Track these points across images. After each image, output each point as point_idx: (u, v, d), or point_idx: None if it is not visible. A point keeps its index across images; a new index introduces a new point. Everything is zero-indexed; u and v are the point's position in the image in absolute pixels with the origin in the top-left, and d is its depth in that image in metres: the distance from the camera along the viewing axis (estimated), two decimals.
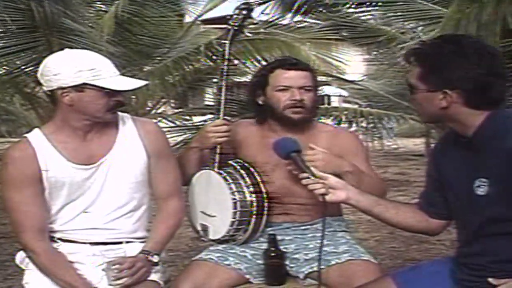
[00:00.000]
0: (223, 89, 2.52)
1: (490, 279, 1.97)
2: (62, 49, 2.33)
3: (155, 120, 6.96)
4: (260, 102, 2.63)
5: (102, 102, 2.22)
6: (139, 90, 7.48)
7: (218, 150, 2.52)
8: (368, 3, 5.59)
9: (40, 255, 2.26)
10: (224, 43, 2.55)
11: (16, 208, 2.27)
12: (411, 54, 2.04)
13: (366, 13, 5.80)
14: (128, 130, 2.35)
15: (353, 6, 5.46)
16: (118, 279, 2.23)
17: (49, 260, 2.26)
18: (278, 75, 2.58)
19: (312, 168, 2.24)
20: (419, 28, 5.65)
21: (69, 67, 2.19)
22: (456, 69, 1.92)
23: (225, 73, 2.53)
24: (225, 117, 2.53)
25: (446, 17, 4.43)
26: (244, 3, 2.59)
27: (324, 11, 5.85)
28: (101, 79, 2.19)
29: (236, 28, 2.54)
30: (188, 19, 9.51)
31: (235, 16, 2.56)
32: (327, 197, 2.20)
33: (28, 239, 2.26)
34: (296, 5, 5.46)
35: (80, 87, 2.19)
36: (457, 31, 4.02)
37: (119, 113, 2.37)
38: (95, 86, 2.19)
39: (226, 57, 2.54)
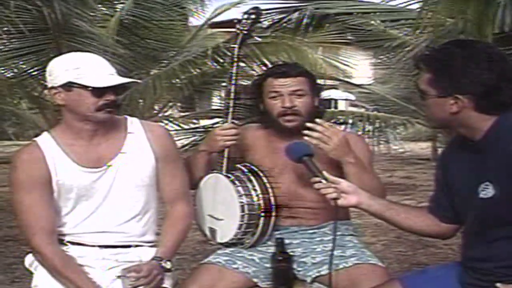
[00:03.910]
0: (232, 93, 2.53)
1: (498, 284, 1.96)
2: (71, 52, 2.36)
3: (162, 124, 6.98)
4: (262, 109, 2.64)
5: (89, 101, 2.22)
6: (146, 93, 7.52)
7: (226, 154, 2.53)
8: (372, 12, 5.62)
9: (51, 258, 2.25)
10: (233, 47, 2.57)
11: (25, 210, 2.27)
12: (421, 60, 2.04)
13: (370, 21, 5.83)
14: (137, 133, 2.36)
15: (358, 15, 5.49)
16: (135, 287, 2.22)
17: (60, 263, 2.25)
18: (269, 83, 2.60)
19: (324, 172, 2.24)
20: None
21: (59, 67, 2.24)
22: (468, 74, 1.92)
23: (234, 77, 2.54)
24: (233, 121, 2.55)
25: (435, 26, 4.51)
26: (252, 8, 2.60)
27: (329, 24, 5.88)
28: (85, 78, 2.20)
29: (245, 32, 2.56)
30: (195, 22, 9.54)
31: (243, 21, 2.57)
32: (339, 202, 2.20)
33: (38, 242, 2.26)
34: (304, 21, 5.50)
35: (68, 86, 2.22)
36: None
37: (128, 117, 2.39)
38: (79, 84, 2.21)
39: (235, 61, 2.55)
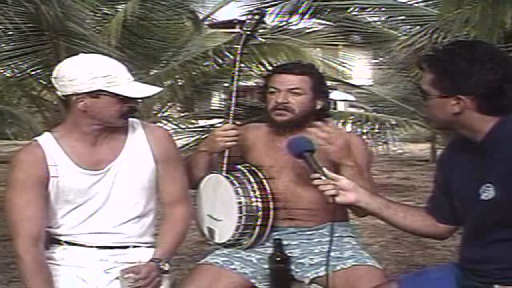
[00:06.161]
0: (234, 94, 2.53)
1: (496, 286, 1.97)
2: (69, 53, 2.33)
3: (161, 124, 6.98)
4: (264, 106, 2.66)
5: (116, 108, 2.23)
6: None
7: (226, 154, 2.53)
8: (370, 8, 5.62)
9: (27, 263, 2.20)
10: (236, 48, 2.57)
11: (14, 210, 2.25)
12: (424, 60, 2.04)
13: (369, 17, 5.83)
14: (137, 135, 2.36)
15: (356, 10, 5.48)
16: None
17: (32, 270, 2.21)
18: (272, 78, 2.62)
19: (324, 169, 2.23)
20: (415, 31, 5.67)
21: (84, 73, 2.19)
22: (471, 74, 1.92)
23: (236, 78, 2.54)
24: (234, 121, 2.54)
25: (438, 17, 4.46)
26: (256, 9, 2.60)
27: (329, 13, 5.86)
28: (117, 86, 2.20)
29: (248, 33, 2.56)
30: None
31: (247, 21, 2.57)
32: (337, 199, 2.19)
33: (19, 243, 2.22)
34: (301, 9, 5.48)
35: (95, 94, 2.20)
36: (447, 32, 4.04)
37: (130, 118, 2.38)
38: (111, 92, 2.19)
39: (238, 62, 2.55)
